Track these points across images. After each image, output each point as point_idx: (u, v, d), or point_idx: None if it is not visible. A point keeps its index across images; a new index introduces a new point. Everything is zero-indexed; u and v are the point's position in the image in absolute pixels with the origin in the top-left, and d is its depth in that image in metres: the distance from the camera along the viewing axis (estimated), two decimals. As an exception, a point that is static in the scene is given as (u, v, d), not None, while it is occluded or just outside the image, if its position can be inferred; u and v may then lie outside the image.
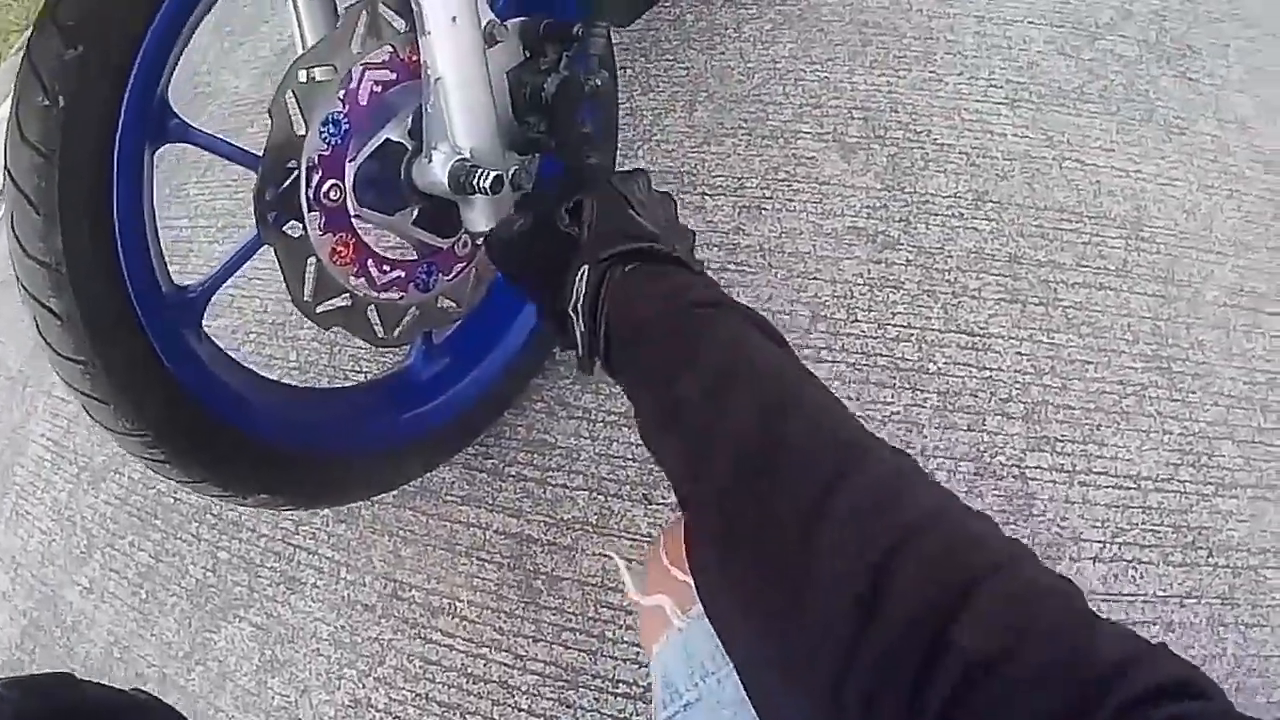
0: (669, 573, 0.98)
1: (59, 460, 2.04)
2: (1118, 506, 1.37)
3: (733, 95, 1.98)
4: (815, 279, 1.63)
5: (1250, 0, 2.13)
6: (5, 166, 0.98)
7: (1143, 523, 1.35)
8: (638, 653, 1.36)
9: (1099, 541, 1.34)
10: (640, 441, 0.86)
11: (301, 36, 1.31)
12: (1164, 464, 1.40)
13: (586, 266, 0.88)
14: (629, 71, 2.06)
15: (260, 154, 1.12)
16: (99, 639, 1.69)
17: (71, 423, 2.08)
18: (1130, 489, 1.38)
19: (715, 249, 1.71)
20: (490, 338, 1.55)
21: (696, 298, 0.81)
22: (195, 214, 2.24)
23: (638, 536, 1.45)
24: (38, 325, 1.02)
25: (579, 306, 0.88)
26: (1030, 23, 2.03)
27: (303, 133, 1.08)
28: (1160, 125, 1.83)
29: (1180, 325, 1.54)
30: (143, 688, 1.37)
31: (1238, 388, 1.48)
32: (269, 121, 1.06)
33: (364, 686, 1.46)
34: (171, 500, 1.80)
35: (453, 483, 1.59)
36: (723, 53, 2.09)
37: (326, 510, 1.64)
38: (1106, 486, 1.38)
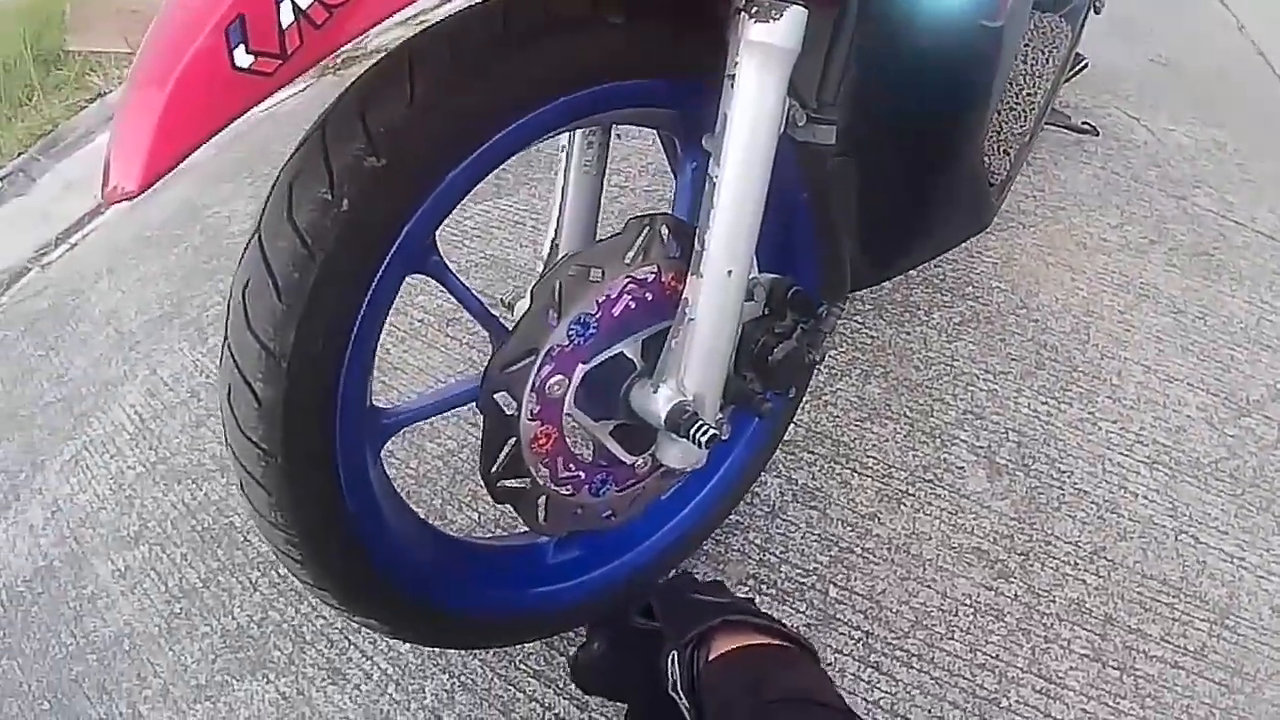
0: None
1: (140, 439, 2.09)
2: None
3: (907, 379, 2.12)
4: (928, 588, 1.75)
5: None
6: (259, 233, 0.97)
7: None
8: None
9: None
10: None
11: (558, 230, 1.44)
12: (1179, 846, 1.47)
13: (674, 651, 1.00)
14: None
15: (498, 319, 1.21)
16: (113, 623, 1.74)
17: (167, 411, 2.14)
18: None
19: (848, 528, 1.83)
20: (621, 547, 1.59)
21: (779, 692, 0.91)
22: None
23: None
24: (230, 398, 1.01)
25: (679, 688, 0.99)
26: (1189, 385, 2.15)
27: (554, 323, 1.14)
28: (1276, 517, 1.92)
29: (1234, 716, 1.61)
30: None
31: (1267, 785, 1.54)
32: (529, 299, 1.12)
33: (374, 805, 1.52)
34: (241, 539, 1.85)
35: (530, 653, 1.65)
36: (908, 333, 2.23)
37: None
38: None
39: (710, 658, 0.99)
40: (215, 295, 2.66)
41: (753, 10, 1.08)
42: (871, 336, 2.23)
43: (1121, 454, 2.00)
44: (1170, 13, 3.98)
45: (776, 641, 1.01)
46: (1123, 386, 2.14)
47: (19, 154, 4.22)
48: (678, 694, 1.01)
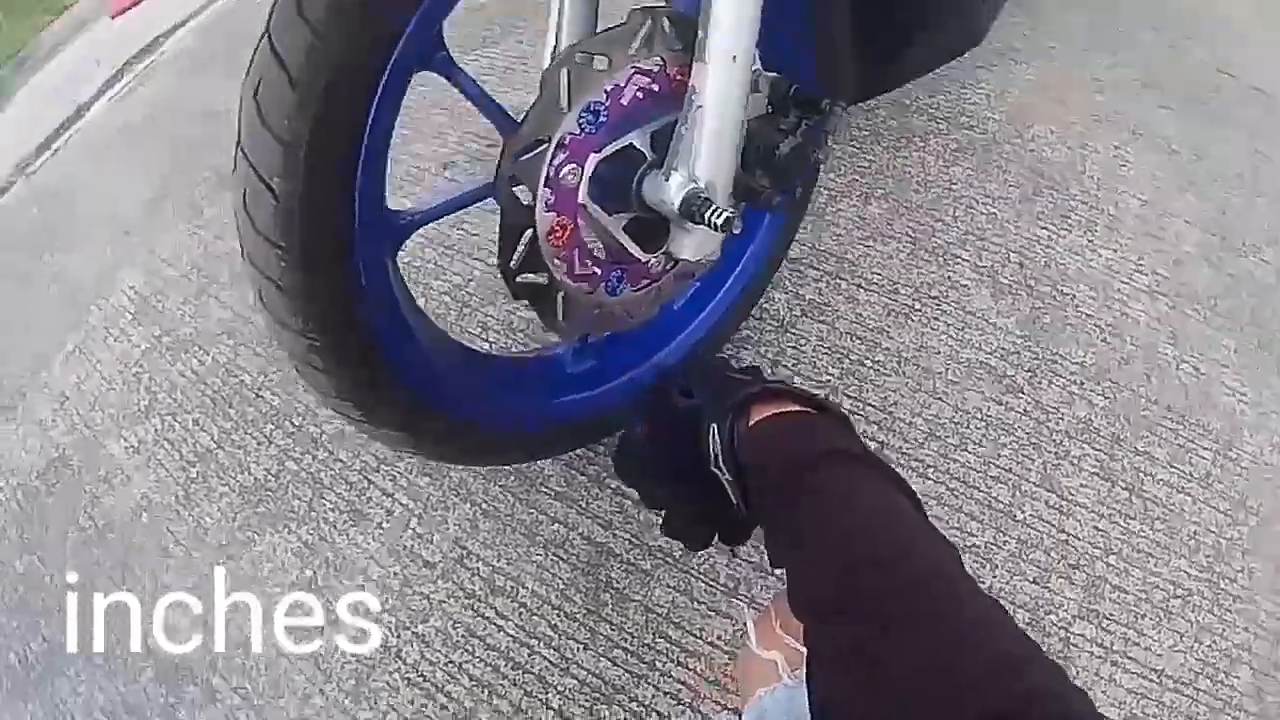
0: (780, 636, 1.09)
1: (142, 317, 2.05)
2: (1137, 693, 1.43)
3: (907, 201, 2.07)
4: (939, 400, 1.71)
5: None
6: (268, 33, 0.94)
7: (1154, 716, 1.41)
8: (679, 689, 1.41)
9: (1113, 720, 1.40)
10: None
11: (558, 29, 1.35)
12: (1187, 669, 1.46)
13: (715, 423, 0.94)
14: (818, 145, 2.12)
15: (510, 115, 1.15)
16: (130, 498, 1.70)
17: (169, 286, 2.09)
18: (1152, 682, 1.44)
19: (858, 341, 1.79)
20: (637, 357, 1.58)
21: (818, 448, 0.86)
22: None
23: (715, 582, 1.51)
24: (245, 197, 0.99)
25: (722, 463, 0.94)
26: (1188, 221, 2.11)
27: (565, 111, 1.11)
28: (1274, 356, 1.90)
29: (1238, 548, 1.60)
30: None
31: (1270, 622, 1.53)
32: (539, 89, 1.09)
33: (399, 637, 1.49)
34: (253, 395, 1.82)
35: (551, 476, 1.64)
36: (905, 157, 2.17)
37: (413, 459, 1.65)
38: (1133, 672, 1.45)
39: (750, 424, 0.93)
40: (205, 171, 2.53)
41: None
42: (869, 160, 2.16)
43: (1122, 281, 1.96)
44: None
45: (814, 409, 0.95)
46: (1120, 218, 2.10)
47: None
48: (719, 469, 0.95)
